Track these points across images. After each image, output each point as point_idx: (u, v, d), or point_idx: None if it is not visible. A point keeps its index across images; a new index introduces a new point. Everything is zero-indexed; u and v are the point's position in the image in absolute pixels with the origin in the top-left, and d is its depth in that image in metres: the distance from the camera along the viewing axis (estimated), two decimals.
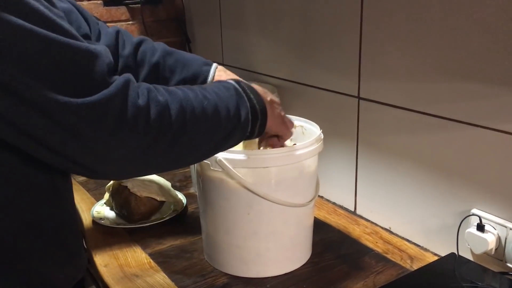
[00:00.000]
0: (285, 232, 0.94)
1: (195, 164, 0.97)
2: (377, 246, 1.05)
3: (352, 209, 1.21)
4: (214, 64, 0.96)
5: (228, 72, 0.96)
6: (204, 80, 0.94)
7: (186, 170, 1.48)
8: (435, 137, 0.97)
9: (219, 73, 0.95)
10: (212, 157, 0.88)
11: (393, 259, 1.00)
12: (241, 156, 0.87)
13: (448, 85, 0.92)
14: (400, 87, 1.02)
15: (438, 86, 0.94)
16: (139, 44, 0.96)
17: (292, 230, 0.96)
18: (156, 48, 0.96)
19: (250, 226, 0.92)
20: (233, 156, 0.87)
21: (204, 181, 0.95)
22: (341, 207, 1.24)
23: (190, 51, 1.80)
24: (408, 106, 1.01)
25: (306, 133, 1.05)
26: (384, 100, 1.06)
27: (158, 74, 0.95)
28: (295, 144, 1.07)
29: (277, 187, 0.90)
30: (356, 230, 1.12)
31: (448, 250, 0.97)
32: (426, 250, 1.03)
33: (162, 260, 1.02)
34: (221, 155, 0.87)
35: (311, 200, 0.96)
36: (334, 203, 1.26)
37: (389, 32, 1.01)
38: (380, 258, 1.01)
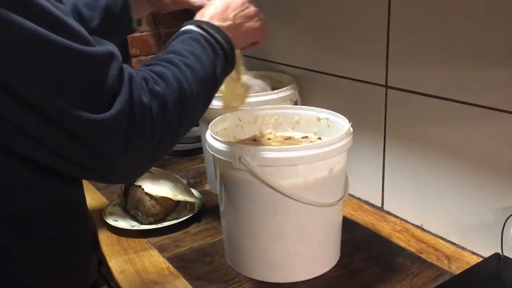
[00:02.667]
0: (314, 234, 0.88)
1: (215, 163, 0.91)
2: (409, 245, 0.99)
3: (379, 205, 1.14)
4: None
5: None
6: None
7: (200, 165, 1.41)
8: (473, 127, 0.90)
9: None
10: (235, 156, 0.81)
11: (428, 259, 0.93)
12: (266, 154, 0.80)
13: (486, 71, 0.85)
14: (433, 74, 0.95)
15: (475, 72, 0.87)
16: None
17: (322, 231, 0.89)
18: None
19: (277, 229, 0.86)
20: (258, 154, 0.80)
21: (225, 181, 0.88)
22: (367, 202, 1.17)
23: None
24: (441, 94, 0.94)
25: (332, 126, 0.98)
26: (414, 88, 0.99)
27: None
28: (320, 138, 1.00)
29: (306, 186, 0.83)
30: (385, 228, 1.06)
31: (489, 249, 0.90)
32: (463, 248, 0.96)
33: (182, 264, 0.96)
34: (244, 154, 0.81)
35: (340, 199, 0.89)
36: (359, 199, 1.19)
37: (421, 13, 0.94)
38: (415, 259, 0.94)
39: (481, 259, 0.93)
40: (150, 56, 1.66)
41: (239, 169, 0.82)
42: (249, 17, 0.77)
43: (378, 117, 1.08)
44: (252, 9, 0.78)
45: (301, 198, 0.83)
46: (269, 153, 0.81)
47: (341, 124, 0.94)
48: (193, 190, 1.20)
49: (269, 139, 1.03)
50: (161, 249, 1.01)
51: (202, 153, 1.43)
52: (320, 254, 0.91)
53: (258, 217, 0.86)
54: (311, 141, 0.99)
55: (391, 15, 1.00)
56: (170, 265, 0.96)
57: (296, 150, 0.81)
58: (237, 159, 0.81)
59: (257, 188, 0.83)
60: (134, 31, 0.96)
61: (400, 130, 1.05)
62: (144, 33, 1.63)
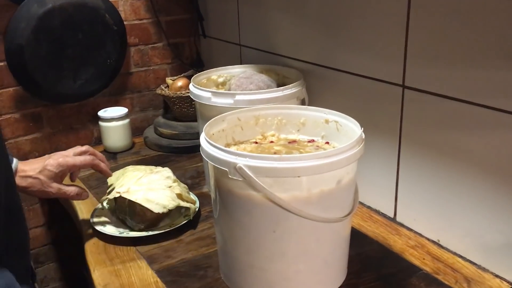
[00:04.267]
0: (318, 252, 0.79)
1: (209, 167, 0.81)
2: (424, 263, 0.89)
3: (391, 216, 1.04)
4: None
5: None
6: None
7: (199, 164, 1.32)
8: (500, 136, 0.80)
9: None
10: (231, 164, 0.72)
11: (446, 282, 0.84)
12: (266, 163, 0.71)
13: None
14: (457, 73, 0.84)
15: (505, 73, 0.76)
16: None
17: (326, 249, 0.80)
18: None
19: (276, 246, 0.77)
20: (256, 163, 0.71)
21: (221, 191, 0.79)
22: (377, 212, 1.07)
23: (203, 29, 1.62)
24: (465, 97, 0.84)
25: (341, 129, 0.88)
26: (435, 89, 0.88)
27: None
28: (327, 142, 0.90)
29: (309, 200, 0.74)
30: (397, 242, 0.96)
31: None
32: (484, 270, 0.86)
33: (171, 279, 0.87)
34: (242, 162, 0.71)
35: (348, 214, 0.80)
36: (369, 207, 1.09)
37: (446, 3, 0.83)
38: (430, 280, 0.84)
39: (504, 282, 0.83)
40: (150, 45, 1.56)
41: (236, 179, 0.73)
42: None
43: (393, 120, 0.98)
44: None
45: (304, 213, 0.73)
46: (268, 162, 0.71)
47: (351, 128, 0.84)
48: (189, 194, 1.11)
49: (272, 142, 0.93)
50: (151, 260, 0.93)
51: None
52: (324, 274, 0.81)
53: (255, 233, 0.77)
54: (317, 146, 0.89)
55: (411, 6, 0.89)
56: (158, 279, 0.87)
57: (299, 160, 0.71)
58: (232, 167, 0.72)
59: (255, 200, 0.74)
60: None
61: (417, 134, 0.94)
62: (144, 21, 1.53)
